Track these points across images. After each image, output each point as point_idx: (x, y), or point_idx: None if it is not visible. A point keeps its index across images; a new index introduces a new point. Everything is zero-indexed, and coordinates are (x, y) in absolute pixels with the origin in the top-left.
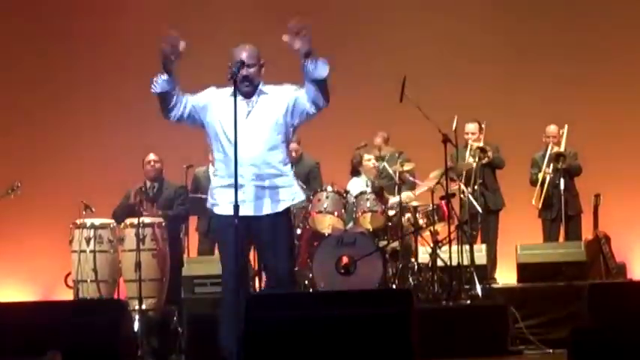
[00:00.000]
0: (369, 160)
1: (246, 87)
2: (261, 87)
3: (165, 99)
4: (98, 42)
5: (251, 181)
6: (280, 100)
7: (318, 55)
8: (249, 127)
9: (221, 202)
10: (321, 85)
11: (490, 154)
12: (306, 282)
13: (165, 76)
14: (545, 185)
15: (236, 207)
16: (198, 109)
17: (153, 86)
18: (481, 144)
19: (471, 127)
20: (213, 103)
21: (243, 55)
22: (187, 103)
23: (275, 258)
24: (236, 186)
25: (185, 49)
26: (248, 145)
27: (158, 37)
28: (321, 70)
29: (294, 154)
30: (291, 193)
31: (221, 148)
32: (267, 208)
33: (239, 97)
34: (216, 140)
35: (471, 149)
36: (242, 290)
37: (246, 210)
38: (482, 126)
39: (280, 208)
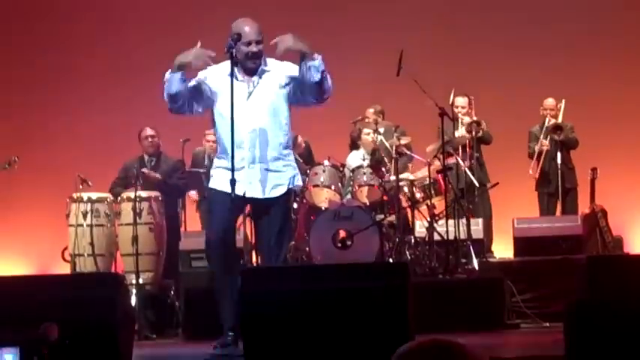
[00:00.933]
0: (367, 135)
1: (253, 64)
2: (263, 66)
3: (177, 96)
4: (93, 15)
5: (250, 164)
6: (282, 80)
7: (312, 50)
8: (250, 109)
9: (218, 179)
10: (318, 85)
11: (484, 127)
12: (303, 256)
13: (179, 74)
14: (542, 157)
15: (232, 181)
16: (197, 94)
17: (168, 87)
18: (474, 118)
19: (461, 100)
20: (211, 81)
21: (251, 31)
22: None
23: (268, 244)
24: (233, 166)
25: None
26: (248, 127)
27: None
28: (314, 74)
29: (300, 149)
30: (289, 178)
31: (221, 128)
32: (266, 192)
33: (240, 77)
34: (216, 120)
35: (462, 123)
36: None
37: (242, 190)
38: (472, 100)
39: (278, 192)
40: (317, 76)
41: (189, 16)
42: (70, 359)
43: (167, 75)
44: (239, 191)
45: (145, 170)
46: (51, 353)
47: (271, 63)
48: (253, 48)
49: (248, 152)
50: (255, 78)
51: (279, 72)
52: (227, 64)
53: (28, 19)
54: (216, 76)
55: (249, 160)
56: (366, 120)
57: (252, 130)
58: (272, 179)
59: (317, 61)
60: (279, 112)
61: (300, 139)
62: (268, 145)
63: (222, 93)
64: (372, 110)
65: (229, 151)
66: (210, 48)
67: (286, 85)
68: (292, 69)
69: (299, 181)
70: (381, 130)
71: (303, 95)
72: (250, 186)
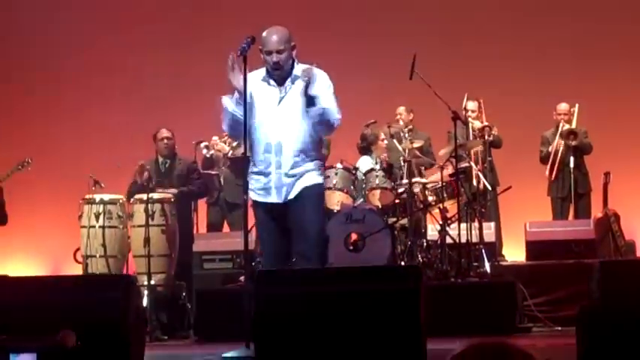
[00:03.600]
0: (383, 140)
1: (278, 74)
2: (295, 71)
3: (237, 122)
4: (106, 19)
5: (277, 170)
6: (319, 77)
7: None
8: (281, 115)
9: (254, 188)
10: (321, 123)
11: (494, 131)
12: None
13: (237, 94)
14: (557, 162)
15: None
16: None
17: (233, 113)
18: (485, 122)
19: (471, 105)
20: (253, 88)
21: (273, 41)
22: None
23: (304, 241)
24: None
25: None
26: (278, 133)
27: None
28: (314, 117)
29: None
30: (318, 178)
31: (253, 133)
32: (292, 195)
33: (271, 82)
34: (250, 125)
35: (472, 127)
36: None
37: (273, 197)
38: (481, 104)
39: (304, 187)
40: (316, 117)
41: (200, 16)
42: None
43: (226, 105)
44: (269, 199)
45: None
46: (65, 358)
47: (300, 70)
48: (274, 58)
49: (275, 157)
50: (287, 83)
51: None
52: (262, 70)
53: (40, 22)
54: (252, 85)
55: (276, 165)
56: (397, 118)
57: (281, 135)
58: (297, 183)
59: (313, 112)
60: (306, 120)
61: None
62: (296, 151)
63: (256, 99)
64: (402, 108)
65: (259, 156)
66: (219, 49)
67: (321, 89)
68: (320, 78)
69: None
70: (394, 131)
71: None
72: (277, 191)
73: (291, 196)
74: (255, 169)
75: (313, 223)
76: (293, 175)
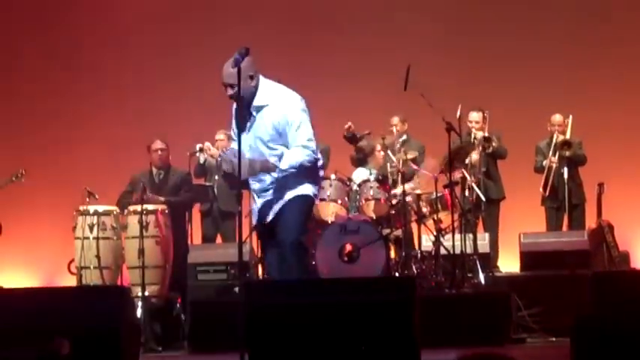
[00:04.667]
0: (379, 152)
1: (237, 104)
2: (257, 100)
3: None
4: (101, 31)
5: (258, 192)
6: (278, 115)
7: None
8: (251, 142)
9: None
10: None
11: (494, 143)
12: (309, 269)
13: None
14: (551, 173)
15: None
16: None
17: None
18: (486, 133)
19: (475, 115)
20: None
21: (224, 74)
22: None
23: (281, 227)
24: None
25: None
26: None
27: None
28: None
29: None
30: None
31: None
32: (274, 213)
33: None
34: None
35: (474, 138)
36: None
37: (260, 218)
38: (486, 115)
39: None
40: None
41: (195, 29)
42: None
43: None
44: (258, 219)
45: (149, 195)
46: None
47: (269, 96)
48: (228, 91)
49: (254, 182)
50: (253, 112)
51: (275, 110)
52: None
53: (37, 32)
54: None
55: (257, 189)
56: (391, 129)
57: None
58: (278, 199)
59: (276, 173)
60: (274, 146)
61: None
62: (268, 176)
63: (237, 128)
64: (397, 119)
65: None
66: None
67: (280, 128)
68: (288, 114)
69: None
70: (388, 142)
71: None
72: (261, 211)
73: (271, 217)
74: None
75: (291, 227)
76: (272, 198)
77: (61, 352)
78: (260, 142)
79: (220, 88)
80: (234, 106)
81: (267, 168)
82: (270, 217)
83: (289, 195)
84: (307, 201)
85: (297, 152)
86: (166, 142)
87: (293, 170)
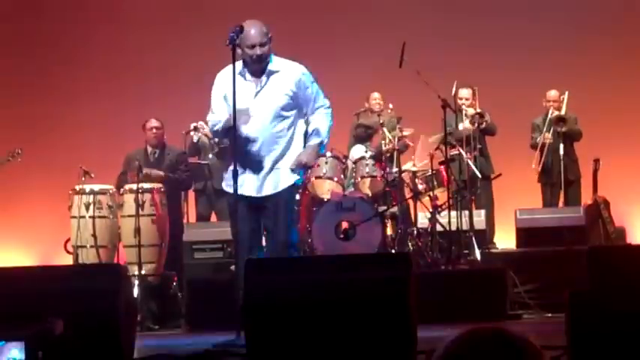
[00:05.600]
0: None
1: (257, 66)
2: (270, 66)
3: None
4: (96, 10)
5: (255, 163)
6: (290, 86)
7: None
8: (257, 109)
9: (227, 181)
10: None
11: (487, 118)
12: (306, 247)
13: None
14: (545, 150)
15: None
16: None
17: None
18: (478, 109)
19: (465, 92)
20: (224, 85)
21: (253, 34)
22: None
23: (274, 225)
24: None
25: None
26: (255, 126)
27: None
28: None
29: None
30: (292, 176)
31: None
32: (268, 189)
33: (247, 76)
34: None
35: (465, 115)
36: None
37: (249, 190)
38: (475, 91)
39: (279, 188)
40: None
41: (191, 9)
42: (72, 350)
43: (212, 125)
44: (245, 192)
45: (146, 171)
46: (53, 345)
47: (281, 64)
48: (257, 51)
49: (252, 150)
50: (263, 78)
51: (288, 76)
52: (237, 65)
53: (33, 11)
54: (226, 82)
55: (253, 158)
56: (373, 103)
57: (257, 128)
58: (274, 177)
59: (324, 145)
60: (284, 114)
61: None
62: (274, 144)
63: (230, 91)
64: (377, 95)
65: (238, 149)
66: (212, 45)
67: (293, 94)
68: (301, 79)
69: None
70: (384, 119)
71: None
72: (253, 185)
73: (267, 191)
74: (231, 164)
75: (283, 228)
76: (270, 169)
77: (54, 332)
78: (270, 108)
79: (219, 61)
80: (221, 77)
81: (317, 148)
82: (260, 193)
83: (283, 178)
84: (294, 192)
85: (326, 118)
86: (162, 120)
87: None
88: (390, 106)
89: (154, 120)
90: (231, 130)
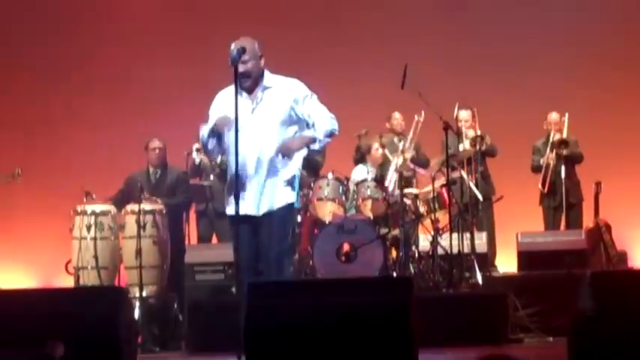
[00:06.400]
0: (377, 150)
1: (245, 82)
2: (264, 82)
3: (213, 150)
4: (98, 25)
5: (253, 181)
6: (286, 95)
7: (310, 140)
8: (254, 124)
9: (229, 202)
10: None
11: (488, 140)
12: (307, 269)
13: (213, 138)
14: (550, 171)
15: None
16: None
17: (205, 145)
18: (478, 132)
19: (464, 114)
20: (222, 104)
21: (235, 53)
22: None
23: (268, 239)
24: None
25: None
26: (253, 143)
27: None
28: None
29: None
30: (289, 195)
31: (230, 146)
32: (265, 207)
33: (243, 94)
34: (227, 139)
35: (465, 136)
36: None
37: (249, 209)
38: (475, 113)
39: (275, 206)
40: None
41: (192, 27)
42: None
43: (202, 134)
44: (244, 211)
45: (146, 196)
46: None
47: (274, 80)
48: (240, 68)
49: (251, 168)
50: (258, 94)
51: (283, 90)
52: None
53: (32, 31)
54: (224, 101)
55: (252, 176)
56: (395, 124)
57: (256, 145)
58: (272, 195)
59: (317, 145)
60: (282, 129)
61: None
62: (272, 161)
63: (230, 113)
64: (398, 115)
65: (233, 167)
66: (211, 56)
67: (291, 108)
68: (297, 91)
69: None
70: (386, 140)
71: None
72: (249, 203)
73: (265, 209)
74: (230, 181)
75: (276, 241)
76: (269, 185)
77: (55, 355)
78: (268, 123)
79: (222, 81)
80: (220, 97)
81: (307, 141)
82: (258, 211)
83: (280, 196)
84: (292, 210)
85: (329, 121)
86: (164, 141)
87: (327, 140)
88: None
89: (156, 140)
90: (216, 134)
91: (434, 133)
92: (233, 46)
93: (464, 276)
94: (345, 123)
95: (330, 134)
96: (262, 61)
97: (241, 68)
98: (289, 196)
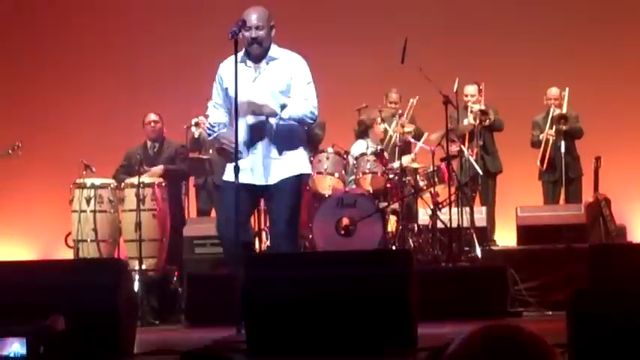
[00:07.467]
0: (378, 125)
1: (256, 49)
2: (271, 52)
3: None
4: (99, 2)
5: (254, 150)
6: (288, 69)
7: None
8: (255, 93)
9: (227, 169)
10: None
11: (491, 116)
12: (306, 243)
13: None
14: (548, 147)
15: (236, 168)
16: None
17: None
18: (482, 106)
19: (471, 89)
20: (225, 74)
21: (252, 17)
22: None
23: (276, 230)
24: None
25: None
26: (250, 111)
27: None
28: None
29: None
30: (296, 167)
31: (229, 114)
32: (272, 179)
33: (248, 63)
34: (227, 108)
35: (471, 111)
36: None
37: (248, 178)
38: (481, 88)
39: (280, 178)
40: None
41: (192, 2)
42: (73, 345)
43: (208, 129)
44: (244, 180)
45: (145, 175)
46: (54, 340)
47: (281, 52)
48: (252, 33)
49: (252, 138)
50: (262, 64)
51: (287, 63)
52: (240, 53)
53: (31, 8)
54: (227, 70)
55: (253, 146)
56: (390, 102)
57: (256, 115)
58: (277, 167)
59: (274, 120)
60: (283, 99)
61: None
62: (272, 131)
63: (231, 81)
64: (397, 94)
65: (238, 136)
66: (213, 39)
67: (292, 80)
68: (298, 70)
69: (307, 170)
70: (386, 115)
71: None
72: (254, 173)
73: (271, 180)
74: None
75: (284, 219)
76: (272, 157)
77: (56, 328)
78: (268, 93)
79: (220, 56)
80: (223, 68)
81: (268, 111)
82: (262, 182)
83: (286, 167)
84: (300, 180)
85: (301, 105)
86: (160, 114)
87: (291, 122)
88: (412, 101)
89: (152, 114)
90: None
91: (434, 107)
92: (246, 11)
93: (463, 250)
94: (344, 98)
95: (299, 120)
96: (273, 32)
97: (253, 34)
98: (299, 168)
